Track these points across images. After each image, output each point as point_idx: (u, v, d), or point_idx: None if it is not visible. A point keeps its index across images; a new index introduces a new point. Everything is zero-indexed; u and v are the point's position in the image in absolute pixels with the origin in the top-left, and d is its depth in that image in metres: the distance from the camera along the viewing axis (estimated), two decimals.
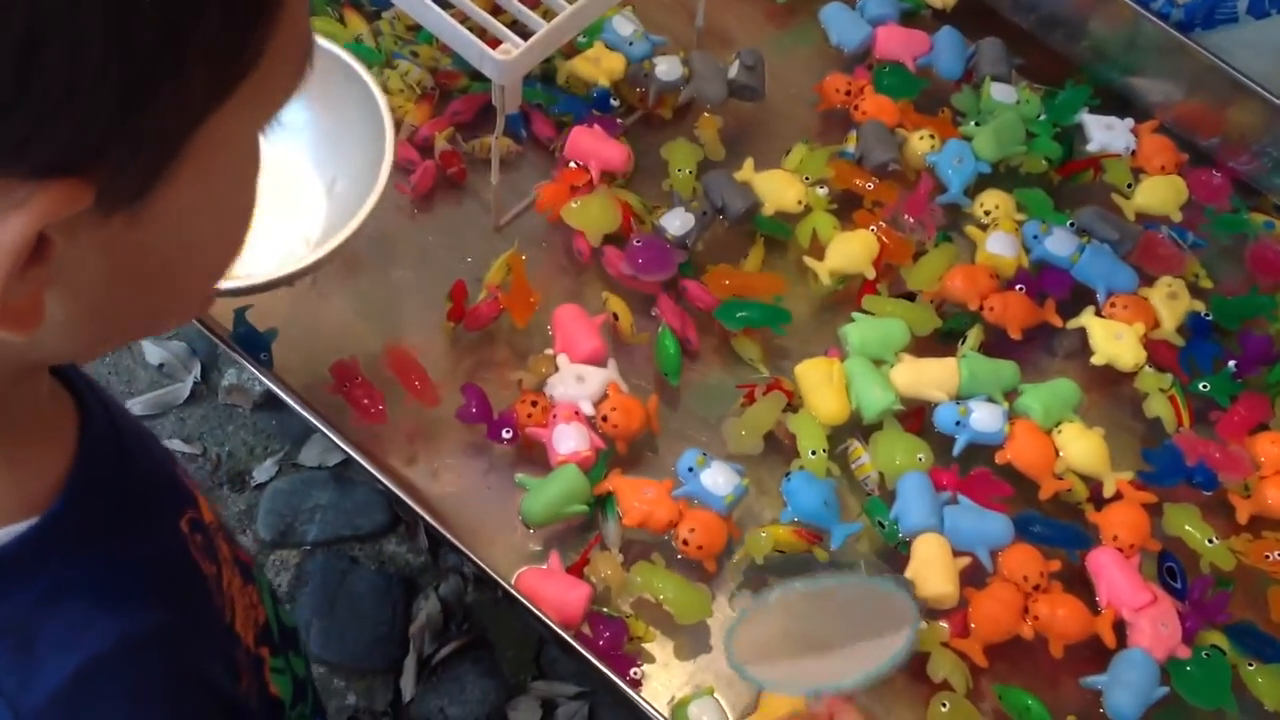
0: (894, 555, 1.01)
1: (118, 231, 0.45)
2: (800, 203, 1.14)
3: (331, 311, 1.12)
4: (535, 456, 1.04)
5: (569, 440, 1.01)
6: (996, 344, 1.10)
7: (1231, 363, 1.12)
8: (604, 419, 1.02)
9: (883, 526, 1.00)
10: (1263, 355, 1.13)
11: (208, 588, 0.63)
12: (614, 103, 1.21)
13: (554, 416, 1.02)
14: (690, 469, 1.00)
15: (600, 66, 1.20)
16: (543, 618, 0.93)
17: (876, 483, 1.03)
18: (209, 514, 0.66)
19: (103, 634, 0.53)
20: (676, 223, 1.12)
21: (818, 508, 0.99)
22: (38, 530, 0.53)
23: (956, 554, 0.98)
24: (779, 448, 1.05)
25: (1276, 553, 1.01)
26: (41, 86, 0.39)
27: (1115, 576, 0.98)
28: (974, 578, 0.99)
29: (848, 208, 1.17)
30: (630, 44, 1.21)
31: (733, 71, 1.20)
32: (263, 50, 0.44)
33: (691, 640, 0.99)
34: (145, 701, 0.55)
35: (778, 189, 1.14)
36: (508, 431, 1.03)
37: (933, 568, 0.96)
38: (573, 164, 1.14)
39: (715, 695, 0.95)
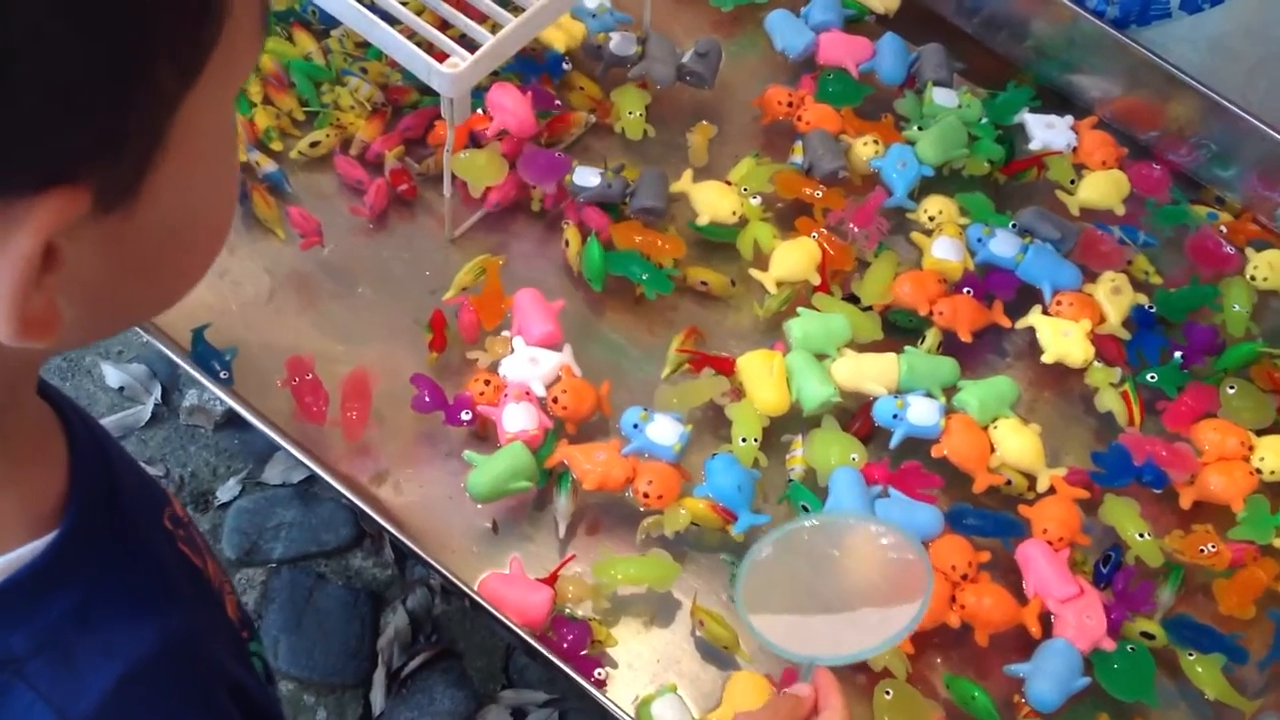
0: None
1: (115, 225, 0.46)
2: (734, 214, 1.16)
3: (290, 330, 1.12)
4: (491, 439, 1.06)
5: (518, 419, 1.03)
6: (948, 348, 1.12)
7: (1178, 354, 1.14)
8: (554, 400, 1.05)
9: (806, 510, 1.02)
10: (1208, 345, 1.15)
11: (206, 580, 0.64)
12: (566, 66, 1.25)
13: (505, 396, 1.05)
14: (635, 425, 1.04)
15: (561, 29, 1.22)
16: (507, 623, 0.94)
17: (800, 477, 1.05)
18: (180, 509, 0.67)
19: (141, 640, 0.55)
20: (590, 179, 1.16)
21: (731, 491, 1.01)
22: (58, 544, 0.53)
23: None
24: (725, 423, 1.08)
25: (1211, 545, 1.03)
26: (18, 104, 0.40)
27: (1043, 568, 1.00)
28: None
29: (789, 215, 1.19)
30: (594, 16, 1.25)
31: (686, 57, 1.22)
32: (221, 26, 0.46)
33: (654, 640, 1.00)
34: (185, 699, 0.57)
35: (713, 200, 1.16)
36: (466, 413, 1.05)
37: None
38: (481, 111, 1.17)
39: (678, 692, 0.96)
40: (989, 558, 1.02)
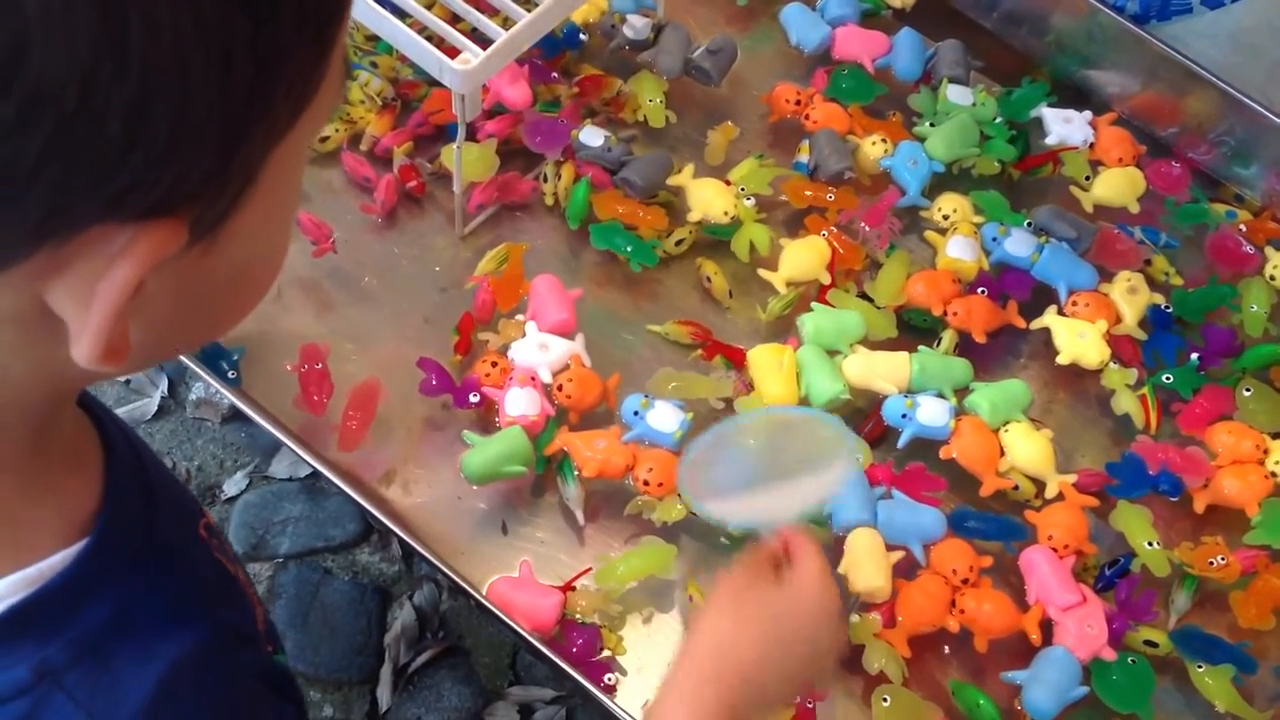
0: (828, 547, 1.01)
1: (194, 260, 0.46)
2: (727, 214, 1.15)
3: (298, 328, 1.11)
4: (494, 423, 1.06)
5: (519, 403, 1.02)
6: (962, 348, 1.11)
7: (1195, 355, 1.12)
8: (559, 388, 1.04)
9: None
10: (1226, 347, 1.13)
11: (241, 588, 0.65)
12: (582, 37, 1.24)
13: (510, 379, 1.04)
14: (636, 413, 1.03)
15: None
16: (516, 627, 0.93)
17: None
18: (212, 519, 0.67)
19: (178, 643, 0.55)
20: (594, 139, 1.16)
21: None
22: (90, 550, 0.54)
23: (890, 548, 1.00)
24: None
25: (1220, 558, 1.02)
26: (149, 140, 0.40)
27: (1046, 574, 0.99)
28: (909, 571, 1.00)
29: (799, 213, 1.18)
30: None
31: (697, 52, 1.20)
32: (324, 78, 0.46)
33: (663, 643, 1.00)
34: (224, 698, 0.57)
35: (707, 198, 1.15)
36: (475, 396, 1.04)
37: (865, 562, 0.98)
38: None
39: None
40: (991, 562, 1.01)
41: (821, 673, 0.90)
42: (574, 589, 0.98)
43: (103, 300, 0.43)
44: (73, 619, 0.53)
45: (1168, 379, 1.11)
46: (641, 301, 1.15)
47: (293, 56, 0.44)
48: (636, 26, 1.22)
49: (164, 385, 1.45)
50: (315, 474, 1.37)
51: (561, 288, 1.09)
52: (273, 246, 0.52)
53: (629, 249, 1.12)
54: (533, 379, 1.04)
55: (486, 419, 1.06)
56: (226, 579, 0.64)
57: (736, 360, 1.08)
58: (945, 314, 1.11)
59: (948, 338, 1.11)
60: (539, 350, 1.06)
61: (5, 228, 0.41)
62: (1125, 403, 1.09)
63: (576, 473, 1.02)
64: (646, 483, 1.01)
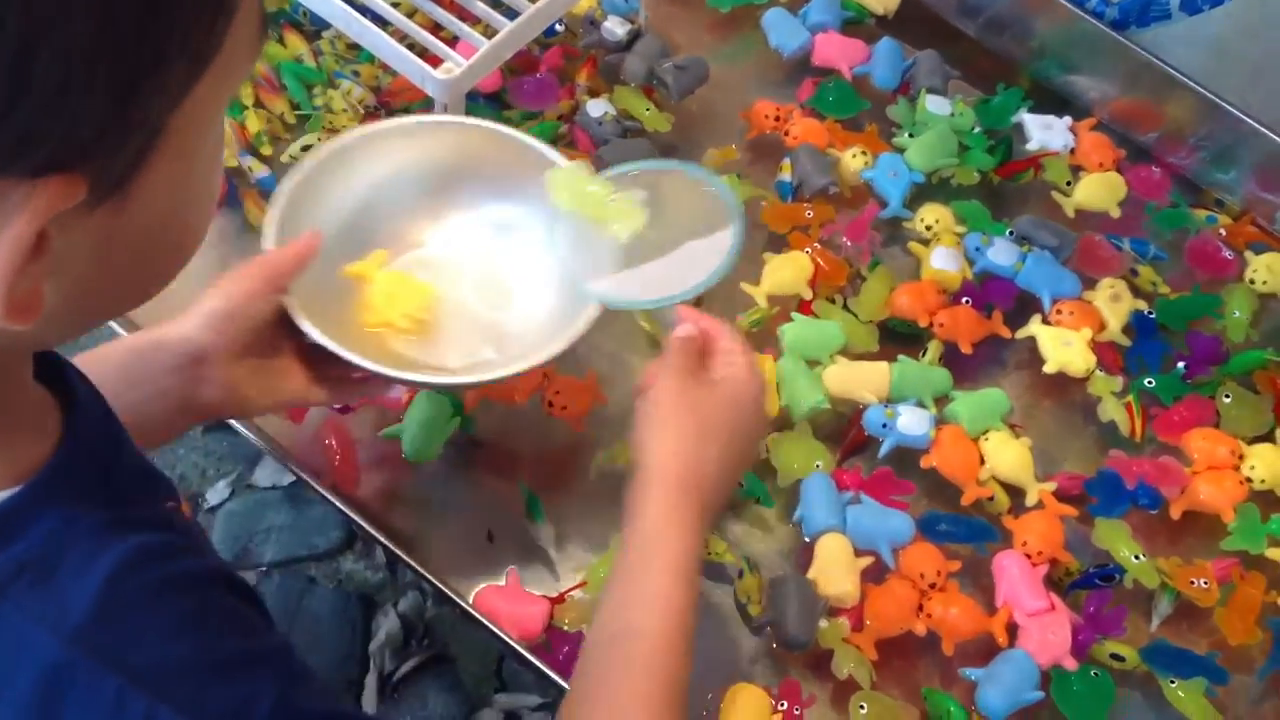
0: (797, 553, 1.02)
1: (104, 218, 0.47)
2: None
3: None
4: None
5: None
6: (948, 358, 1.11)
7: (1181, 364, 1.13)
8: (549, 404, 1.04)
9: (740, 486, 1.01)
10: (1211, 355, 1.14)
11: (203, 547, 0.64)
12: (559, 28, 1.25)
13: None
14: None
15: None
16: (503, 636, 0.93)
17: None
18: (187, 512, 0.67)
19: (119, 552, 0.54)
20: (595, 110, 1.19)
21: None
22: (34, 485, 0.54)
23: (859, 553, 1.00)
24: None
25: (1203, 581, 1.01)
26: (35, 91, 0.41)
27: (1015, 579, 0.99)
28: (878, 575, 1.00)
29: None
30: None
31: (664, 64, 1.21)
32: (227, 32, 0.47)
33: None
34: (174, 590, 0.56)
35: None
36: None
37: (833, 567, 0.98)
38: None
39: None
40: (959, 566, 1.01)
41: (756, 451, 0.96)
42: (564, 600, 0.98)
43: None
44: (14, 540, 0.53)
45: (1150, 383, 1.11)
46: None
47: (184, 5, 0.44)
48: (614, 29, 1.22)
49: None
50: (298, 482, 1.37)
51: None
52: (191, 207, 0.53)
53: None
54: None
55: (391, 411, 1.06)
56: (191, 535, 0.63)
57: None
58: (931, 325, 1.11)
59: (933, 349, 1.11)
60: None
61: None
62: (1110, 410, 1.09)
63: (543, 511, 1.02)
64: (551, 404, 1.03)
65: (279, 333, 0.89)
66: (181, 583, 0.57)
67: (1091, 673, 0.97)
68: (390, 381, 0.93)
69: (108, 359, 0.83)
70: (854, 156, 1.20)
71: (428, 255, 1.01)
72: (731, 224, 0.89)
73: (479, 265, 1.00)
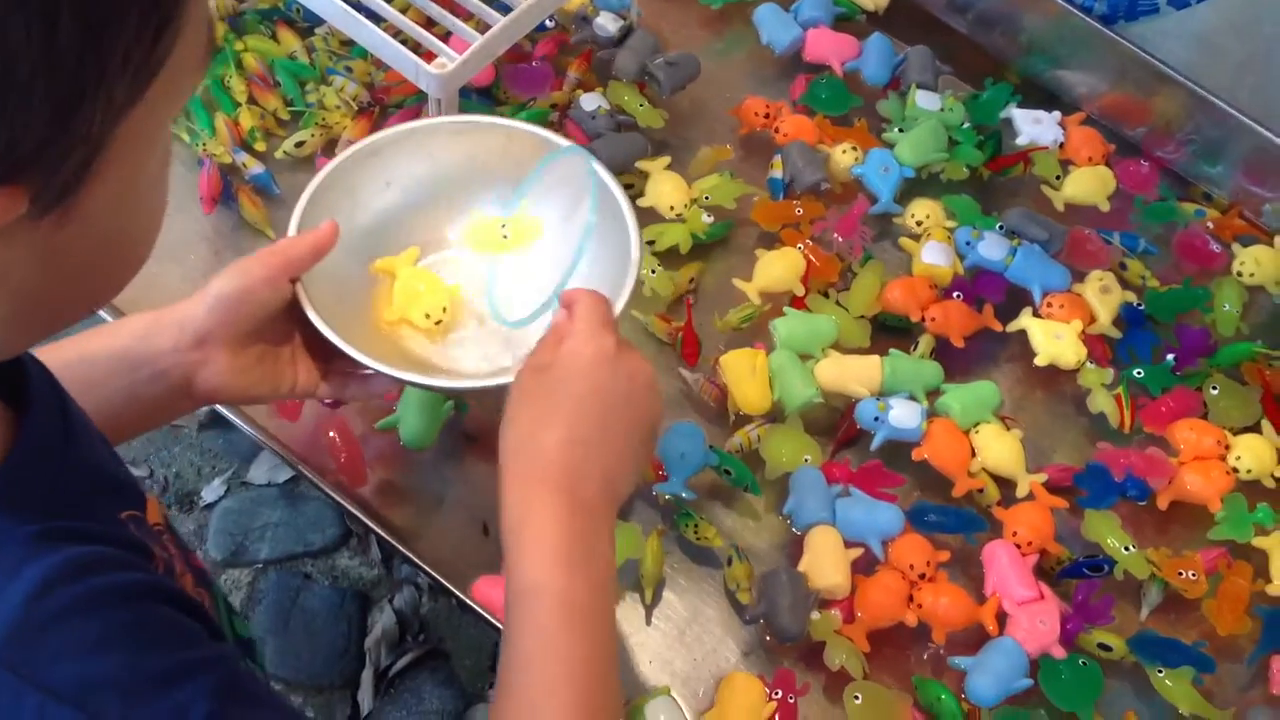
0: (788, 546, 1.03)
1: (48, 231, 0.47)
2: (673, 210, 1.15)
3: None
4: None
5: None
6: (940, 352, 1.12)
7: (1170, 356, 1.14)
8: None
9: (728, 474, 1.02)
10: (1200, 348, 1.14)
11: (153, 560, 0.63)
12: (549, 23, 1.25)
13: None
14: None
15: None
16: (500, 626, 0.93)
17: (736, 448, 1.05)
18: (155, 516, 0.66)
19: (45, 566, 0.54)
20: (589, 104, 1.19)
21: (674, 455, 1.02)
22: None
23: (849, 545, 1.00)
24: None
25: (1191, 573, 1.02)
26: None
27: (1005, 569, 1.00)
28: (868, 567, 1.01)
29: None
30: None
31: (655, 60, 1.21)
32: (171, 49, 0.47)
33: (646, 641, 1.00)
34: (103, 607, 0.55)
35: (665, 190, 1.16)
36: None
37: (823, 560, 0.99)
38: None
39: (672, 694, 0.96)
40: (949, 556, 1.02)
41: (635, 412, 0.79)
42: None
43: None
44: None
45: (1138, 374, 1.12)
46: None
47: (125, 22, 0.44)
48: (607, 25, 1.23)
49: None
50: (294, 479, 1.38)
51: None
52: (138, 219, 0.53)
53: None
54: None
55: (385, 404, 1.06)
56: (138, 550, 0.62)
57: (689, 356, 1.09)
58: (923, 320, 1.12)
59: (924, 342, 1.12)
60: None
61: None
62: (1100, 401, 1.10)
63: None
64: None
65: (287, 322, 0.88)
66: (110, 596, 0.56)
67: (1080, 661, 0.98)
68: (395, 381, 0.92)
69: (117, 334, 0.83)
70: (844, 152, 1.20)
71: (456, 256, 1.01)
72: (587, 197, 0.88)
73: (505, 271, 1.00)
